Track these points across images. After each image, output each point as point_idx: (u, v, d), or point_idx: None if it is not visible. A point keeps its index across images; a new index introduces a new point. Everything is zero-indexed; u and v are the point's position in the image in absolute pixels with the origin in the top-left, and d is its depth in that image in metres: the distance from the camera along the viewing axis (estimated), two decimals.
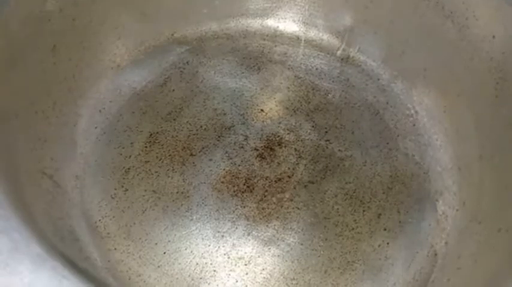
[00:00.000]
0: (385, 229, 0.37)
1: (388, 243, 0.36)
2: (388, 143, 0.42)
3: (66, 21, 0.36)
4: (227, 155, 0.40)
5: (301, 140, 0.41)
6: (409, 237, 0.37)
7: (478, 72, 0.37)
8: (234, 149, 0.40)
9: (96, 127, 0.40)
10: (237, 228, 0.36)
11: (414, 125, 0.43)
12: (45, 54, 0.35)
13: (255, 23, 0.47)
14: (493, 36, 0.35)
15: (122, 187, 0.37)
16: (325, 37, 0.47)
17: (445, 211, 0.38)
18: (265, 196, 0.38)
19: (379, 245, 0.36)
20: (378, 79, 0.45)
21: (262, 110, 0.43)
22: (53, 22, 0.34)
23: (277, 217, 0.37)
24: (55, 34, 0.35)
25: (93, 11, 0.38)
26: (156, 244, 0.35)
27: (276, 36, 0.47)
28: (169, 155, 0.39)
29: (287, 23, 0.48)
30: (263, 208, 0.37)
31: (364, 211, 0.38)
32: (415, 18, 0.41)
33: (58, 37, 0.35)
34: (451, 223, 0.37)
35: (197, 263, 0.35)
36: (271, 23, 0.48)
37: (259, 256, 0.35)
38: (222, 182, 0.38)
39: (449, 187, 0.39)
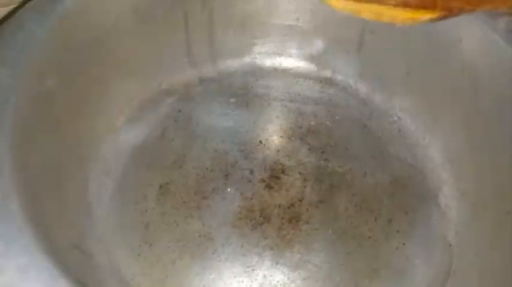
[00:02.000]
0: (398, 232, 0.40)
1: (404, 244, 0.39)
2: (381, 152, 0.45)
3: (65, 94, 0.37)
4: (238, 191, 0.41)
5: (303, 164, 0.43)
6: (422, 234, 0.39)
7: (453, 73, 0.41)
8: (242, 185, 0.42)
9: (106, 189, 0.41)
10: (264, 260, 0.38)
11: (399, 130, 0.46)
12: (52, 128, 0.35)
13: (234, 63, 0.50)
14: (460, 40, 0.39)
15: (146, 242, 0.38)
16: (301, 64, 0.50)
17: (448, 203, 0.41)
18: (282, 224, 0.40)
19: (397, 248, 0.39)
20: (358, 94, 0.48)
21: (260, 142, 0.45)
22: (54, 97, 0.35)
23: (299, 241, 0.39)
24: (58, 108, 0.36)
25: (86, 78, 0.39)
26: None
27: (255, 71, 0.50)
28: (184, 202, 0.40)
29: (263, 57, 0.50)
30: (284, 235, 0.39)
31: (375, 218, 0.40)
32: (383, 32, 0.45)
33: (60, 110, 0.36)
34: (456, 213, 0.40)
35: None
36: (248, 60, 0.50)
37: (291, 282, 0.37)
38: (240, 219, 0.40)
39: (446, 180, 0.42)
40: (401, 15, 0.29)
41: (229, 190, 0.41)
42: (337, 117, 0.47)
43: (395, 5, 0.28)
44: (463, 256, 0.37)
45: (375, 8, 0.29)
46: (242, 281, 0.36)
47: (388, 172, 0.43)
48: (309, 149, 0.44)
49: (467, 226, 0.38)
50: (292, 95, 0.48)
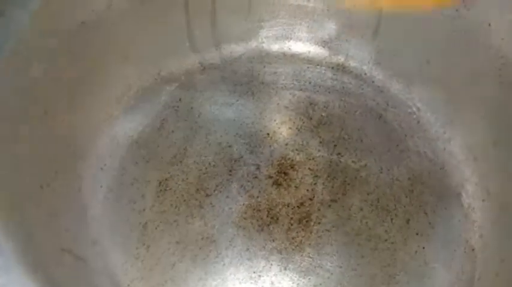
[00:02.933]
0: (417, 234, 0.36)
1: (423, 247, 0.36)
2: (398, 145, 0.41)
3: (52, 84, 0.34)
4: (243, 188, 0.38)
5: (313, 159, 0.40)
6: (443, 237, 0.36)
7: (477, 60, 0.37)
8: (248, 181, 0.39)
9: (101, 186, 0.38)
10: (272, 264, 0.35)
11: (419, 121, 0.43)
12: (38, 121, 0.32)
13: (239, 48, 0.46)
14: (489, 24, 0.35)
15: (144, 244, 0.35)
16: (311, 49, 0.47)
17: (471, 204, 0.38)
18: (291, 224, 0.37)
19: (415, 252, 0.36)
20: (373, 82, 0.45)
21: (266, 134, 0.41)
22: (40, 87, 0.32)
23: (309, 244, 0.36)
24: (44, 99, 0.33)
25: (77, 66, 0.36)
26: None
27: (262, 57, 0.46)
28: (184, 201, 0.38)
29: (271, 42, 0.47)
30: (293, 238, 0.36)
31: (392, 219, 0.37)
32: (402, 15, 0.41)
33: (47, 101, 0.33)
34: (480, 214, 0.37)
35: None
36: (255, 44, 0.47)
37: None
38: (245, 219, 0.37)
39: (469, 178, 0.39)
40: (423, 1, 0.25)
41: (233, 187, 0.38)
42: (350, 107, 0.43)
43: None
44: (488, 262, 0.34)
45: None
46: None
47: (406, 167, 0.40)
48: (320, 143, 0.41)
49: (493, 228, 0.35)
50: (301, 83, 0.45)
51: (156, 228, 0.36)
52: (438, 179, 0.39)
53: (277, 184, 0.39)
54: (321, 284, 0.34)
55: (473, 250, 0.36)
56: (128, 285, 0.34)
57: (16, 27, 0.30)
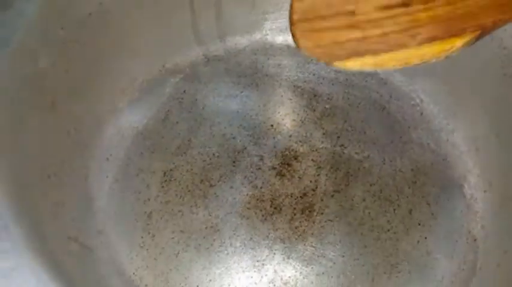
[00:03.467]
0: (419, 224, 0.37)
1: (426, 237, 0.36)
2: (401, 137, 0.41)
3: (60, 75, 0.34)
4: (246, 179, 0.39)
5: (316, 150, 0.40)
6: (445, 227, 0.37)
7: (481, 52, 0.37)
8: (251, 172, 0.39)
9: (107, 176, 0.38)
10: (275, 253, 0.35)
11: (422, 113, 0.43)
12: (46, 112, 0.33)
13: (243, 40, 0.46)
14: None
15: (149, 233, 0.36)
16: None
17: (473, 194, 0.38)
18: (294, 214, 0.37)
19: (418, 242, 0.36)
20: (376, 74, 0.45)
21: (270, 126, 0.42)
22: (47, 78, 0.33)
23: (312, 234, 0.36)
24: (51, 90, 0.33)
25: (84, 58, 0.36)
26: (198, 286, 0.34)
27: (266, 49, 0.47)
28: (189, 191, 0.38)
29: (275, 34, 0.47)
30: (296, 227, 0.36)
31: (394, 209, 0.37)
32: None
33: (55, 92, 0.34)
34: (482, 205, 0.37)
35: None
36: (259, 36, 0.47)
37: (304, 278, 0.34)
38: (248, 208, 0.37)
39: (471, 169, 0.39)
40: (430, 52, 0.25)
41: (237, 177, 0.39)
42: (354, 99, 0.43)
43: (420, 44, 0.25)
44: (490, 253, 0.34)
45: (398, 55, 0.25)
46: (251, 277, 0.34)
47: (409, 158, 0.40)
48: (323, 134, 0.41)
49: (495, 219, 0.35)
50: (305, 75, 0.45)
51: (160, 218, 0.37)
52: (441, 170, 0.39)
53: (280, 174, 0.39)
54: (323, 273, 0.34)
55: (475, 240, 0.36)
56: (133, 273, 0.34)
57: (24, 19, 0.31)
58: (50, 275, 0.22)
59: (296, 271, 0.34)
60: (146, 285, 0.34)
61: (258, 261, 0.35)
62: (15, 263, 0.21)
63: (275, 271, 0.34)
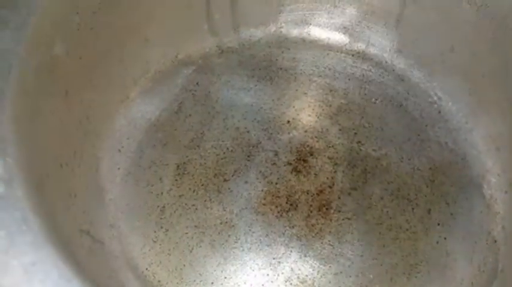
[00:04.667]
0: (438, 224, 0.36)
1: (445, 238, 0.35)
2: (418, 135, 0.41)
3: (74, 63, 0.33)
4: (261, 174, 0.38)
5: (332, 146, 0.39)
6: (464, 228, 0.36)
7: (503, 50, 0.36)
8: (267, 167, 0.38)
9: (119, 168, 0.37)
10: (291, 251, 0.34)
11: (440, 111, 0.42)
12: (59, 100, 0.32)
13: (258, 32, 0.45)
14: None
15: (162, 227, 0.35)
16: (331, 35, 0.46)
17: (493, 195, 0.37)
18: (311, 211, 0.36)
19: (437, 242, 0.35)
20: (394, 70, 0.44)
21: (285, 120, 0.41)
22: (62, 66, 0.32)
23: (330, 232, 0.35)
24: (65, 78, 0.32)
25: (98, 46, 0.35)
26: (213, 283, 0.33)
27: (281, 42, 0.46)
28: (203, 185, 0.37)
29: (290, 27, 0.46)
30: (312, 225, 0.35)
31: (413, 208, 0.37)
32: (426, 3, 0.40)
33: (69, 80, 0.33)
34: (502, 206, 0.36)
35: None
36: (274, 29, 0.46)
37: (321, 276, 0.33)
38: (264, 204, 0.36)
39: (491, 169, 0.38)
40: None
41: (251, 172, 0.38)
42: (370, 95, 0.43)
43: None
44: (511, 254, 0.34)
45: None
46: (267, 274, 0.33)
47: (427, 157, 0.39)
48: (340, 130, 0.40)
49: None
50: (321, 69, 0.44)
51: (174, 212, 0.36)
52: (459, 169, 0.39)
53: (296, 170, 0.38)
54: (341, 272, 0.33)
55: (495, 241, 0.35)
56: (146, 269, 0.33)
57: (39, 2, 0.29)
58: (71, 271, 0.21)
59: (313, 270, 0.34)
60: (159, 281, 0.33)
61: (274, 259, 0.34)
62: (37, 257, 0.20)
63: (292, 269, 0.34)
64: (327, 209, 0.36)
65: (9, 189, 0.23)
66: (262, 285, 0.33)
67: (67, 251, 0.23)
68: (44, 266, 0.20)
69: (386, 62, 0.44)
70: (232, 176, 0.38)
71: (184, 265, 0.34)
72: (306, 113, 0.42)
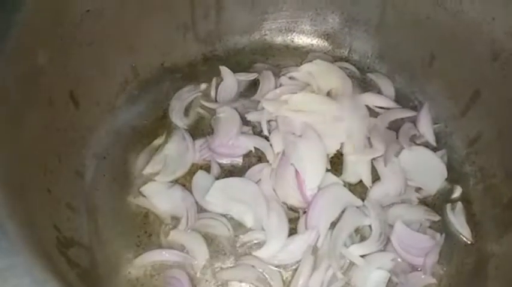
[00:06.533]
0: None
1: None
2: None
3: (58, 71, 0.34)
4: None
5: None
6: None
7: (480, 55, 0.37)
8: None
9: (104, 175, 0.38)
10: None
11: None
12: (43, 109, 0.33)
13: (242, 40, 0.46)
14: (493, 18, 0.35)
15: (145, 232, 0.36)
16: (314, 42, 0.47)
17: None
18: None
19: None
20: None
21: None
22: (45, 74, 0.32)
23: None
24: (49, 86, 0.33)
25: (83, 54, 0.36)
26: None
27: (265, 49, 0.46)
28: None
29: (274, 34, 0.47)
30: None
31: None
32: (406, 9, 0.41)
33: (52, 89, 0.33)
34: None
35: None
36: (258, 36, 0.47)
37: None
38: None
39: (468, 173, 0.39)
40: None
41: None
42: None
43: None
44: None
45: None
46: None
47: None
48: None
49: None
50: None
51: (158, 217, 0.36)
52: None
53: None
54: None
55: None
56: (129, 272, 0.34)
57: (23, 10, 0.30)
58: (44, 274, 0.22)
59: None
60: (142, 285, 0.34)
61: None
62: (10, 263, 0.21)
63: None
64: None
65: None
66: None
67: (45, 257, 0.24)
68: (17, 271, 0.21)
69: (368, 68, 0.45)
70: None
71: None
72: None
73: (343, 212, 0.36)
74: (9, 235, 0.22)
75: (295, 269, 0.34)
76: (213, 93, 0.43)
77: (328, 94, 0.42)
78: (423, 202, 0.38)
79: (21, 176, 0.28)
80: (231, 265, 0.34)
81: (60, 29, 0.33)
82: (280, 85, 0.43)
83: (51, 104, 0.33)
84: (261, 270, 0.34)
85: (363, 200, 0.37)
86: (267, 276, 0.34)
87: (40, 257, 0.22)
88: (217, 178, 0.37)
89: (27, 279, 0.20)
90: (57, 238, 0.29)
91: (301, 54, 0.46)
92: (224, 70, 0.44)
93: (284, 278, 0.34)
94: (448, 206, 0.38)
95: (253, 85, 0.44)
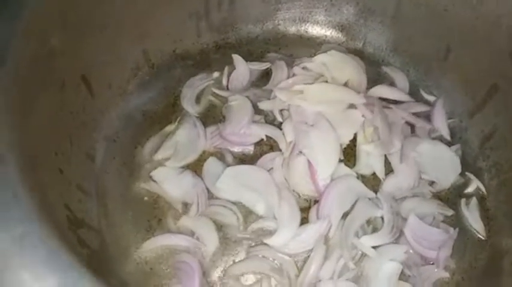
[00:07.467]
0: None
1: None
2: None
3: (71, 55, 0.33)
4: None
5: None
6: None
7: (499, 48, 0.37)
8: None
9: (114, 158, 0.37)
10: None
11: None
12: (55, 92, 0.32)
13: (255, 29, 0.46)
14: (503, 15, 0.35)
15: (155, 217, 0.35)
16: (328, 33, 0.46)
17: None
18: None
19: None
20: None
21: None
22: (58, 57, 0.32)
23: None
24: (62, 69, 0.32)
25: (96, 38, 0.36)
26: None
27: (278, 39, 0.46)
28: None
29: (287, 24, 0.46)
30: None
31: None
32: (423, 0, 0.40)
33: (65, 72, 0.33)
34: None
35: None
36: (271, 26, 0.46)
37: None
38: None
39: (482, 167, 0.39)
40: None
41: None
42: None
43: None
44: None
45: None
46: None
47: None
48: None
49: None
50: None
51: (167, 202, 0.36)
52: None
53: None
54: None
55: None
56: (139, 257, 0.34)
57: None
58: (57, 243, 0.21)
59: None
60: (151, 269, 0.33)
61: None
62: (25, 230, 0.21)
63: None
64: None
65: (1, 166, 0.23)
66: None
67: (56, 226, 0.23)
68: (32, 238, 0.21)
69: (382, 60, 0.45)
70: None
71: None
72: None
73: (355, 203, 0.36)
74: (23, 205, 0.22)
75: (306, 259, 0.33)
76: (224, 82, 0.42)
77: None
78: (437, 196, 0.37)
79: (34, 154, 0.27)
80: (242, 256, 0.34)
81: (73, 14, 0.33)
82: (293, 75, 0.42)
83: (64, 86, 0.33)
84: (272, 259, 0.34)
85: (375, 192, 0.36)
86: (280, 265, 0.33)
87: (53, 228, 0.22)
88: (228, 166, 0.37)
89: (42, 245, 0.20)
90: (68, 217, 0.29)
91: (315, 45, 0.46)
92: (237, 58, 0.43)
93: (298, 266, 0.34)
94: (463, 201, 0.37)
95: (266, 75, 0.43)
